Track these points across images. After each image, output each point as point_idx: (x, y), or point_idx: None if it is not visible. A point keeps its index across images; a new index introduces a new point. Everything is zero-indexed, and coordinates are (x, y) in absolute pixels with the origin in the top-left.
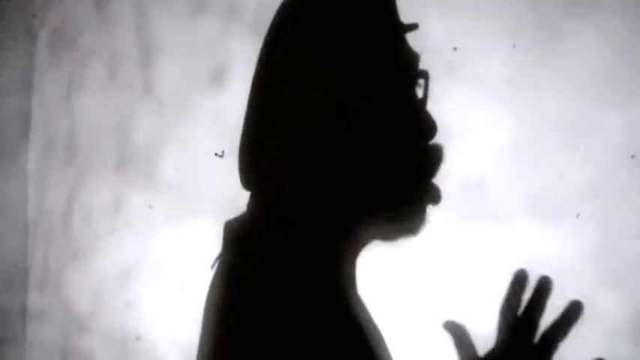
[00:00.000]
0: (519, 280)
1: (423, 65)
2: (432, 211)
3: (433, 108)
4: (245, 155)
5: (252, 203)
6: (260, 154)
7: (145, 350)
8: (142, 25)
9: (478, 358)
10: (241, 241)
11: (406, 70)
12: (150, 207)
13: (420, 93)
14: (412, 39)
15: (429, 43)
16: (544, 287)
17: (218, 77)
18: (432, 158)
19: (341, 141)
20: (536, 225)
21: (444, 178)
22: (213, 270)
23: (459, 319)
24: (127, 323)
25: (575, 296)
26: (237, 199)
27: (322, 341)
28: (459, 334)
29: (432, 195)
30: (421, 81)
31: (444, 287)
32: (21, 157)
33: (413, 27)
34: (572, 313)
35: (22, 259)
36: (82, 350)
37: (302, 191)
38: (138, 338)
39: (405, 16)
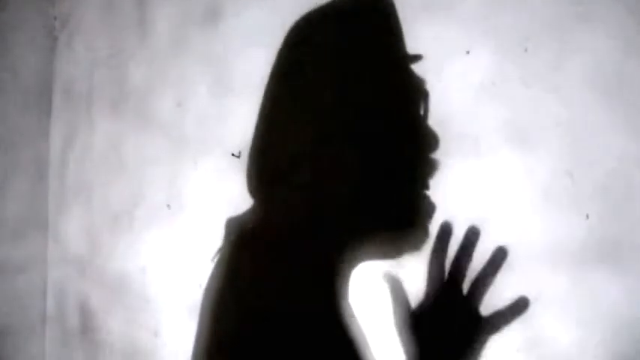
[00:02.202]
0: (444, 232)
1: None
2: (432, 228)
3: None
4: (253, 160)
5: (256, 205)
6: (268, 161)
7: (163, 346)
8: None
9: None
10: (240, 240)
11: (413, 91)
12: (168, 206)
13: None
14: (420, 42)
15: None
16: (471, 237)
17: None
18: (431, 174)
19: (348, 155)
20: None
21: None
22: (213, 262)
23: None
24: (145, 320)
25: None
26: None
27: (310, 340)
28: (395, 287)
29: (430, 211)
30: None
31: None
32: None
33: (418, 58)
34: (498, 259)
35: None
36: (98, 343)
37: (304, 200)
38: (156, 335)
39: (416, 18)
